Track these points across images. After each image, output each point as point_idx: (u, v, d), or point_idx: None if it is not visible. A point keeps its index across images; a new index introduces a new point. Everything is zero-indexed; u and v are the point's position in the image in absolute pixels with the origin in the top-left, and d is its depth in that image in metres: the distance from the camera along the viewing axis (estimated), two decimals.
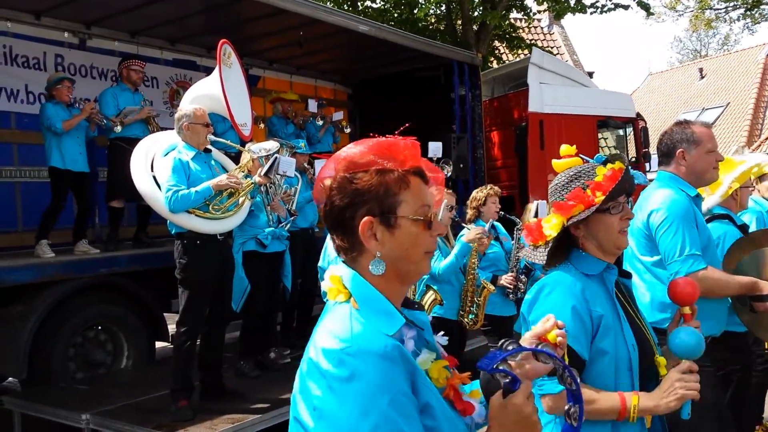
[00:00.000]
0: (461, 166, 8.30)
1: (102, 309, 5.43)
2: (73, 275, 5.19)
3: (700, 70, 27.99)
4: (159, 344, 5.93)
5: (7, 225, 6.31)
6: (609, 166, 1.95)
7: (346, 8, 12.74)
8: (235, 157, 5.29)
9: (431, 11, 13.61)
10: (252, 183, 4.57)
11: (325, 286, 1.31)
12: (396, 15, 13.05)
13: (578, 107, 9.66)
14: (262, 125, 7.86)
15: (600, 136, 10.33)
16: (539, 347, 1.34)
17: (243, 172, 4.64)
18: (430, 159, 7.38)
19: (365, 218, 1.24)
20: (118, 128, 5.96)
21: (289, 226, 5.34)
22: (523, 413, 1.20)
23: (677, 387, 1.75)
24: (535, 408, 1.23)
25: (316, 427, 1.15)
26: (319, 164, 6.33)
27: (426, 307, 3.91)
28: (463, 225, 4.76)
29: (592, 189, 1.91)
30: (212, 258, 4.33)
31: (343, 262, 1.32)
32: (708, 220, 3.51)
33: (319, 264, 3.74)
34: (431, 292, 3.98)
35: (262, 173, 4.67)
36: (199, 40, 7.75)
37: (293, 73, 9.31)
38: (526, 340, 1.41)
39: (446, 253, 4.43)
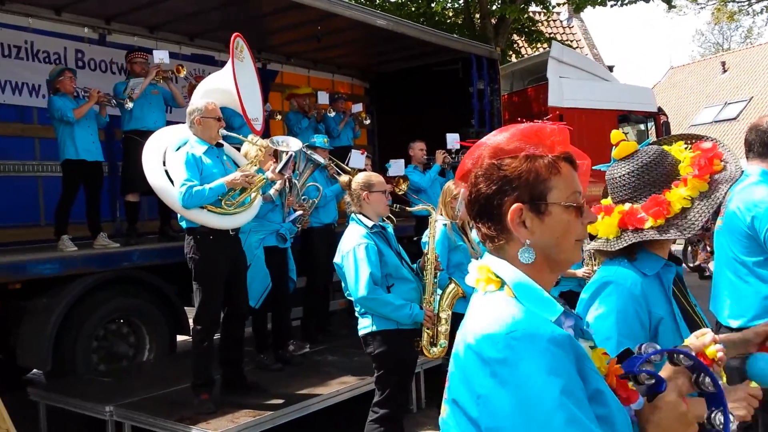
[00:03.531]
0: None
1: (124, 302, 5.48)
2: (97, 269, 5.24)
3: (723, 63, 27.59)
4: (180, 337, 5.98)
5: (30, 219, 6.40)
6: (679, 143, 1.88)
7: (363, 2, 12.72)
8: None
9: (449, 5, 13.55)
10: (264, 179, 4.54)
11: (471, 278, 1.28)
12: (413, 9, 12.99)
13: (598, 101, 9.58)
14: (279, 117, 7.92)
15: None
16: (678, 348, 1.29)
17: (255, 166, 4.59)
18: (448, 150, 7.54)
19: (514, 205, 1.20)
20: (129, 104, 5.89)
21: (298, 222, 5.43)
22: (678, 410, 1.18)
23: (739, 406, 1.61)
24: (688, 406, 1.19)
25: (482, 416, 1.11)
26: (355, 154, 6.42)
27: (447, 301, 3.87)
28: None
29: (710, 159, 1.79)
30: (225, 253, 4.33)
31: (488, 251, 1.29)
32: None
33: (335, 260, 3.73)
34: (453, 284, 3.91)
35: (277, 170, 4.65)
36: (217, 35, 7.77)
37: (310, 67, 9.32)
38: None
39: (465, 250, 4.38)
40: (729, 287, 2.76)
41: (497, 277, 1.22)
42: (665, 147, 1.90)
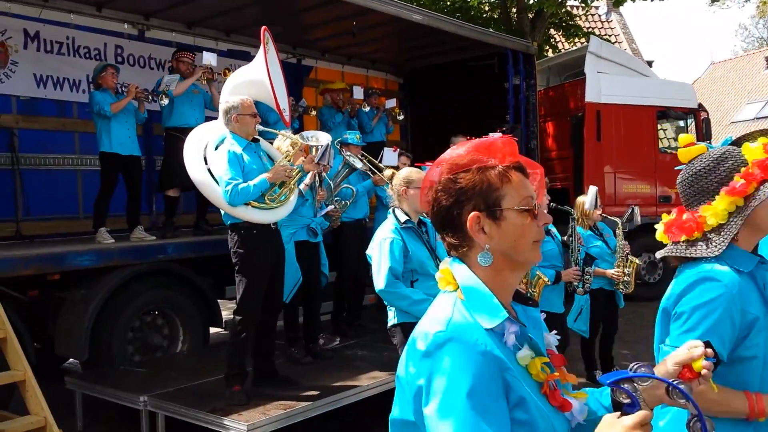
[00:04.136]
0: None
1: (159, 294, 5.55)
2: (132, 261, 5.33)
3: (767, 59, 26.78)
4: (212, 330, 6.04)
5: (69, 211, 6.54)
6: (762, 140, 1.78)
7: None
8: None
9: None
10: (299, 171, 4.56)
11: (437, 277, 1.40)
12: (449, 3, 12.90)
13: (637, 97, 9.39)
14: (313, 113, 7.93)
15: (659, 127, 10.02)
16: (675, 383, 1.25)
17: (288, 160, 4.62)
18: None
19: (472, 214, 1.30)
20: (165, 100, 5.99)
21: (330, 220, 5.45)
22: None
23: None
24: None
25: (411, 398, 1.26)
26: (388, 152, 6.40)
27: None
28: None
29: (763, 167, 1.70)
30: (268, 246, 4.38)
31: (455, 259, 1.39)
32: None
33: (367, 251, 3.80)
34: None
35: (315, 160, 4.68)
36: (253, 31, 7.80)
37: (345, 63, 9.31)
38: (666, 364, 1.34)
39: None
40: None
41: (455, 280, 1.34)
42: (747, 144, 1.79)
